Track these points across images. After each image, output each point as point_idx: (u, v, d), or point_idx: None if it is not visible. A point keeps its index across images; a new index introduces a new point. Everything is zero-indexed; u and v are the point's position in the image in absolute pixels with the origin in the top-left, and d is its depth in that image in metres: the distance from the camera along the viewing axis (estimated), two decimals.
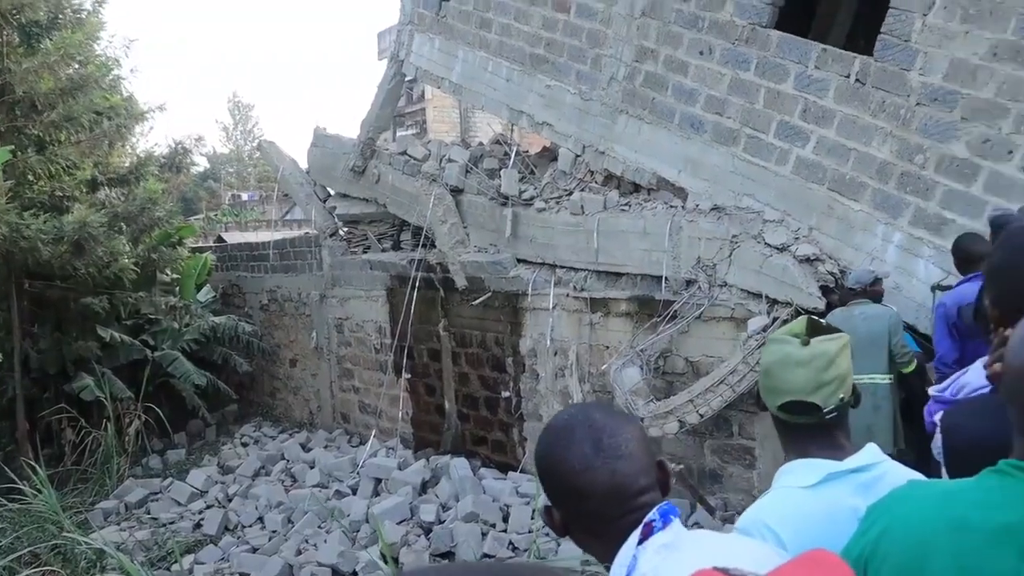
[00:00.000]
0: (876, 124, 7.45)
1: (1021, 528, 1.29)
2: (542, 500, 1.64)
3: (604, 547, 1.53)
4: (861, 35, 10.12)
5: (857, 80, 7.56)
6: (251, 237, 21.87)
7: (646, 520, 1.48)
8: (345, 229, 13.60)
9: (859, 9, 10.74)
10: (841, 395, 1.93)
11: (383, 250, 12.88)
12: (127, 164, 15.13)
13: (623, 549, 1.47)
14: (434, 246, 11.09)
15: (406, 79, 12.59)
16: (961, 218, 7.00)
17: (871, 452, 1.95)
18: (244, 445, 14.15)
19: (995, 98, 6.85)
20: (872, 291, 6.70)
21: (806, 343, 1.97)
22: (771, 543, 1.77)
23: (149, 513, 11.25)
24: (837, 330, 2.03)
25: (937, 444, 1.93)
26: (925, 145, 7.20)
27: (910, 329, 6.90)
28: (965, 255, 5.58)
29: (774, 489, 1.98)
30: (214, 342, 15.24)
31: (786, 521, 1.83)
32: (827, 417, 1.93)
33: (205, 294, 16.27)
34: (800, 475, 1.93)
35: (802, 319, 2.09)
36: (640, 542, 1.47)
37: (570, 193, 9.58)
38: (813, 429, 1.97)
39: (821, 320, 2.13)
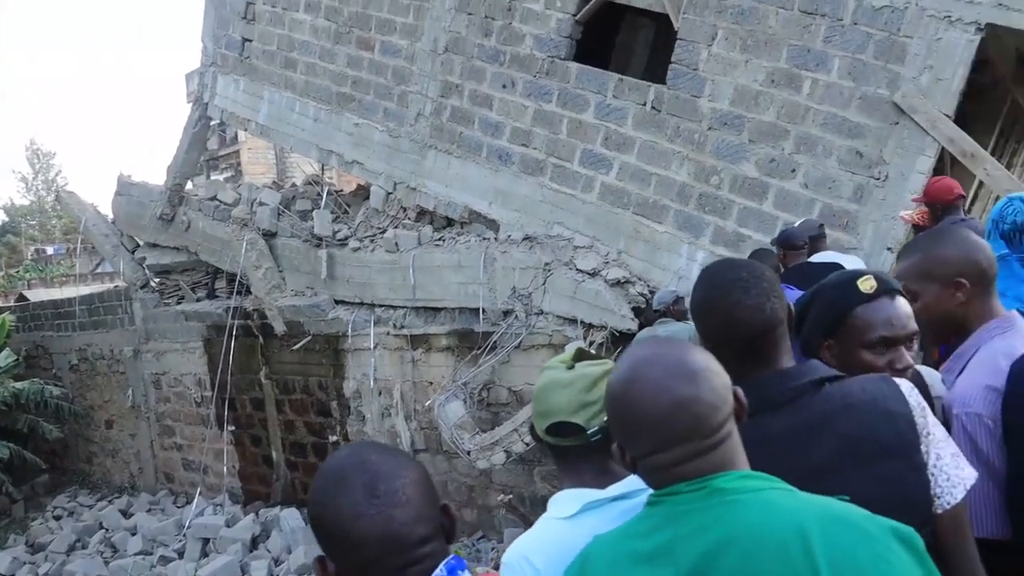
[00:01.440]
0: (673, 148, 7.80)
1: (670, 545, 1.42)
2: (317, 550, 1.52)
3: None
4: (659, 65, 10.60)
5: (653, 107, 7.90)
6: (57, 294, 20.56)
7: None
8: (157, 280, 13.01)
9: (655, 40, 11.23)
10: (605, 417, 1.95)
11: (198, 299, 12.38)
12: None
13: None
14: (250, 292, 10.76)
15: (212, 122, 12.22)
16: (756, 234, 7.41)
17: (636, 479, 1.96)
18: (57, 518, 13.21)
19: (776, 121, 7.32)
20: (675, 311, 6.93)
21: (571, 367, 2.00)
22: None
23: None
24: (604, 359, 2.06)
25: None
26: (719, 167, 7.59)
27: None
28: None
29: (539, 520, 1.97)
30: (17, 409, 14.13)
31: (543, 553, 1.82)
32: (592, 439, 1.94)
33: (5, 358, 15.09)
34: (562, 505, 1.93)
35: (573, 348, 2.11)
36: None
37: (384, 231, 9.54)
38: (581, 453, 1.97)
39: (590, 350, 2.16)
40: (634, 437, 1.49)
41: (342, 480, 1.41)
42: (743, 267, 1.94)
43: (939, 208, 5.40)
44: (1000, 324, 2.30)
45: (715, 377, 1.46)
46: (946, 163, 7.83)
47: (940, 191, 5.46)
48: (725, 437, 1.45)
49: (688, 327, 6.82)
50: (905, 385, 1.79)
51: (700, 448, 1.43)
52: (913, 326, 2.04)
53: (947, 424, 2.10)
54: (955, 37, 6.59)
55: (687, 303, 7.02)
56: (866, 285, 2.04)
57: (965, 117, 7.57)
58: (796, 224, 6.33)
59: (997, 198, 5.78)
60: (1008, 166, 10.56)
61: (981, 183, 8.86)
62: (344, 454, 1.48)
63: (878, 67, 6.87)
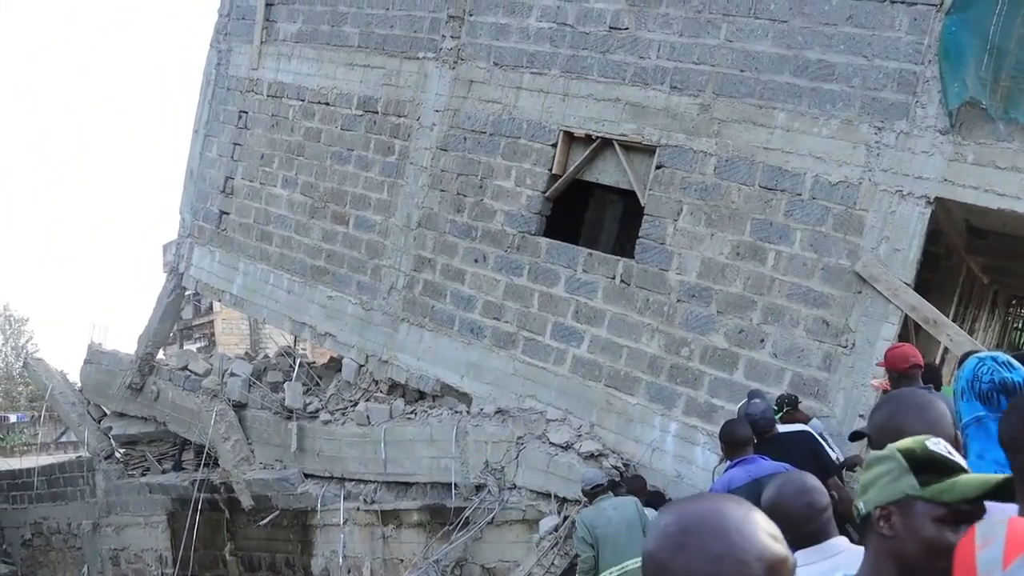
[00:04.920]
0: (643, 321, 7.88)
1: None
2: None
3: None
4: (627, 239, 10.86)
5: (622, 281, 8.04)
6: (16, 463, 19.97)
7: None
8: (122, 451, 12.72)
9: (623, 215, 11.54)
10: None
11: (163, 471, 12.09)
12: None
13: None
14: (217, 465, 10.54)
15: (186, 292, 12.30)
16: (728, 404, 7.39)
17: None
18: None
19: (743, 292, 7.46)
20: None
21: None
22: None
23: None
24: None
25: None
26: (689, 338, 7.66)
27: None
28: (730, 441, 5.77)
29: None
30: None
31: None
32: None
33: None
34: None
35: None
36: None
37: (355, 403, 9.49)
38: None
39: None
40: None
41: None
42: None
43: (895, 376, 5.38)
44: None
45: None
46: (910, 330, 7.97)
47: (895, 359, 5.40)
48: None
49: (630, 497, 6.62)
50: None
51: None
52: None
53: None
54: (907, 210, 6.82)
55: (666, 472, 6.96)
56: None
57: (925, 285, 7.77)
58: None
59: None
60: (970, 331, 10.77)
61: (947, 348, 9.00)
62: None
63: (838, 239, 7.08)
